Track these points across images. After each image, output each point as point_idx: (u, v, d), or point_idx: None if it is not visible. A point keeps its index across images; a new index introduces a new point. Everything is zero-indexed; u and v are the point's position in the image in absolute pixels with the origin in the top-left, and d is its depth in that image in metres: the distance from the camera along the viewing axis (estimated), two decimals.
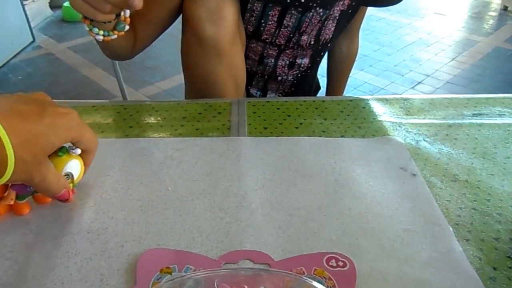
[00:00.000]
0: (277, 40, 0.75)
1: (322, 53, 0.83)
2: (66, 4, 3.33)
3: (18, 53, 2.76)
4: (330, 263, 0.35)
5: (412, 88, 2.30)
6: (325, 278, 0.34)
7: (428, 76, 2.42)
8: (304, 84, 0.87)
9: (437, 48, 2.77)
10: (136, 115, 0.59)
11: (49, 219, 0.40)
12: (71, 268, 0.36)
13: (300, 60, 0.81)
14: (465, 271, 0.35)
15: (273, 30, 0.73)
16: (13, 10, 2.74)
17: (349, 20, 0.79)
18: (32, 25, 2.96)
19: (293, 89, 0.86)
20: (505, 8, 3.36)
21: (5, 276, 0.35)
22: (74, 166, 0.40)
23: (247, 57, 0.79)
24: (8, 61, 2.64)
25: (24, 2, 2.87)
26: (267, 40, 0.75)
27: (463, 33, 3.02)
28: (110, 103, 0.65)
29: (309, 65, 0.82)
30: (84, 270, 0.35)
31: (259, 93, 0.86)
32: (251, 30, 0.74)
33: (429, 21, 3.30)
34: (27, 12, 2.87)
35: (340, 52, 0.90)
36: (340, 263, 0.35)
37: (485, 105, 0.62)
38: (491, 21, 3.25)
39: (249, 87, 0.85)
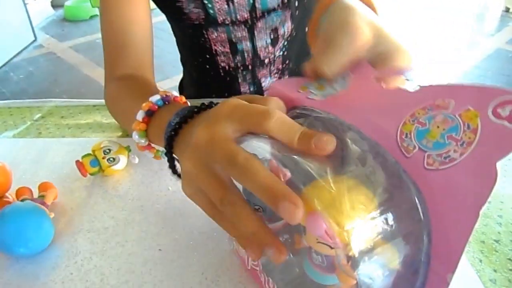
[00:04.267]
0: (237, 15, 0.60)
1: (301, 2, 0.63)
2: (68, 3, 3.34)
3: (19, 52, 2.77)
4: (499, 110, 0.22)
5: None
6: (467, 128, 0.23)
7: None
8: (299, 57, 0.71)
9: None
10: None
11: None
12: (71, 267, 0.36)
13: (282, 28, 0.63)
14: (466, 272, 0.35)
15: (225, 6, 0.58)
16: (15, 9, 2.75)
17: None
18: (34, 24, 2.97)
19: (285, 65, 0.70)
20: (507, 10, 3.36)
21: (6, 274, 0.35)
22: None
23: (216, 53, 0.65)
24: (9, 60, 2.65)
25: (26, 1, 2.88)
26: (227, 22, 0.60)
27: (465, 34, 3.01)
28: None
29: (293, 26, 0.64)
30: (84, 270, 0.36)
31: (252, 88, 0.70)
32: (203, 16, 0.60)
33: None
34: (29, 11, 2.88)
35: None
36: None
37: None
38: (493, 23, 3.24)
39: (239, 87, 0.70)
